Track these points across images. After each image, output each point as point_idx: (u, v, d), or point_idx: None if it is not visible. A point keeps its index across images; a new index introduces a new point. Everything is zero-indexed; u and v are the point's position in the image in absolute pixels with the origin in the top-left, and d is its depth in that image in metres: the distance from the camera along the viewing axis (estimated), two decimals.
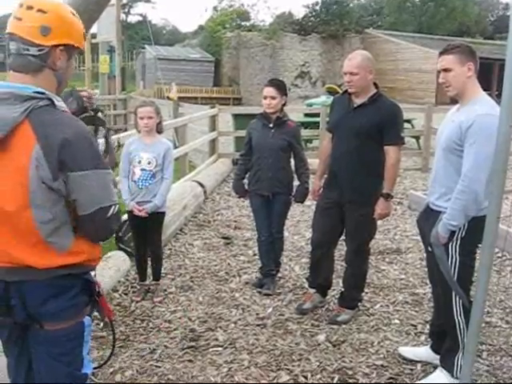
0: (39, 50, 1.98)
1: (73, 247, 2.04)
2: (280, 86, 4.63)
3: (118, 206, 2.10)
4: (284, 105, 4.68)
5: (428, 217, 3.29)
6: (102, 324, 3.95)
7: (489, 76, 26.73)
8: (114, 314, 3.25)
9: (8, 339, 2.23)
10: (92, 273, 2.26)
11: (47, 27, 1.97)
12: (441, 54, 3.16)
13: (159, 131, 4.56)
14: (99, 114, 2.60)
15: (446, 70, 3.11)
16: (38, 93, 1.95)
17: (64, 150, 1.90)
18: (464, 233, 3.06)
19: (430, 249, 3.25)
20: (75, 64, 2.23)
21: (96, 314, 2.38)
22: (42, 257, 1.99)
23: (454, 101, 3.20)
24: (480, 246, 2.80)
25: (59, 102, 2.02)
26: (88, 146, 1.98)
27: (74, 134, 1.94)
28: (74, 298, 2.09)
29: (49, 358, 2.13)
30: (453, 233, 3.07)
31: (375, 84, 4.01)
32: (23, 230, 1.96)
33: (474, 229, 2.92)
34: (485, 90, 3.20)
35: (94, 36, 23.25)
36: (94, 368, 3.23)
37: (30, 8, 1.97)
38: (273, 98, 4.57)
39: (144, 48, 35.88)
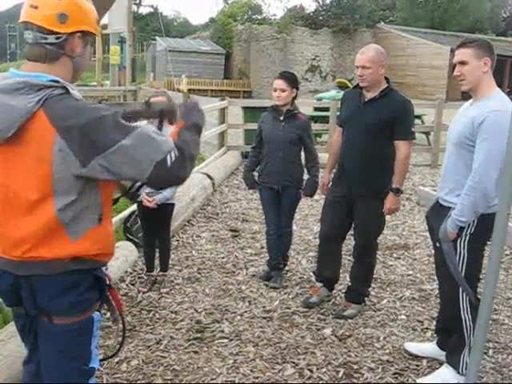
0: (57, 38, 1.95)
1: (87, 236, 2.00)
2: (290, 79, 4.61)
3: (174, 150, 1.96)
4: (295, 98, 4.66)
5: (437, 212, 3.27)
6: (109, 314, 3.96)
7: (501, 73, 26.56)
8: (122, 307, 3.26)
9: (22, 330, 2.24)
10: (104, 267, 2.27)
11: (64, 14, 1.94)
12: (458, 47, 3.13)
13: (171, 123, 4.54)
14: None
15: (461, 63, 3.08)
16: (53, 81, 1.91)
17: (86, 136, 1.85)
18: (473, 229, 3.05)
19: (438, 244, 3.23)
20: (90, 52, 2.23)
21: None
22: (52, 246, 1.97)
23: (465, 97, 3.18)
24: (489, 243, 2.79)
25: (73, 91, 1.98)
26: (108, 123, 1.89)
27: (92, 118, 1.87)
28: (83, 294, 2.07)
29: (56, 352, 2.12)
30: (462, 229, 3.05)
31: (386, 78, 3.99)
32: (44, 220, 1.93)
33: (483, 225, 2.91)
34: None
35: (104, 27, 23.27)
36: (101, 360, 3.24)
37: None
38: (282, 90, 4.55)
39: (155, 40, 35.84)
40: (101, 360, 3.16)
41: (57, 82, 1.92)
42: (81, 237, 1.98)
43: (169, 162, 1.92)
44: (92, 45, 2.17)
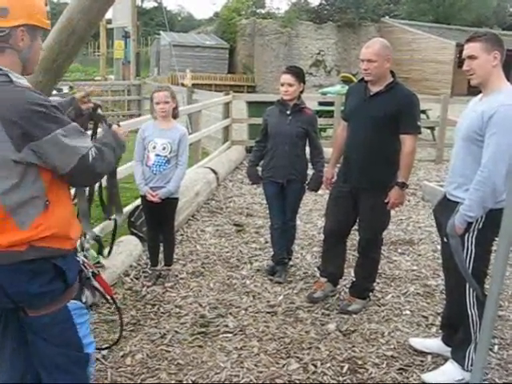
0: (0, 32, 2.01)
1: (37, 222, 2.05)
2: (298, 74, 4.59)
3: (94, 148, 2.14)
4: (301, 92, 4.65)
5: (445, 207, 3.25)
6: (113, 308, 3.97)
7: (507, 68, 26.43)
8: (113, 291, 3.22)
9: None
10: (80, 257, 2.30)
11: (5, 8, 1.99)
12: (467, 41, 3.10)
13: (174, 116, 4.54)
14: (98, 110, 2.66)
15: (470, 58, 3.05)
16: None
17: (24, 125, 1.95)
18: (481, 224, 3.03)
19: (445, 239, 3.21)
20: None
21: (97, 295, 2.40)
22: (5, 234, 2.02)
23: (471, 92, 3.15)
24: (497, 239, 2.77)
25: (18, 79, 2.05)
26: (44, 113, 1.99)
27: (30, 106, 1.96)
28: (46, 285, 2.09)
29: (42, 341, 2.17)
30: (470, 224, 3.03)
31: (392, 72, 3.97)
32: None
33: (492, 221, 2.89)
34: None
35: (109, 21, 23.26)
36: (103, 348, 3.24)
37: None
38: (290, 85, 4.53)
39: (159, 34, 35.80)
40: (103, 349, 3.18)
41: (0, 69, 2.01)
42: (31, 223, 2.04)
43: (90, 158, 2.09)
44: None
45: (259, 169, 4.92)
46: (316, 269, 4.89)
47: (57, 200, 2.13)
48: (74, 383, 2.27)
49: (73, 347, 2.23)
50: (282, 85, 4.57)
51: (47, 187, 2.09)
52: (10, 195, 2.00)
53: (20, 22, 2.03)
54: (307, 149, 4.74)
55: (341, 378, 3.33)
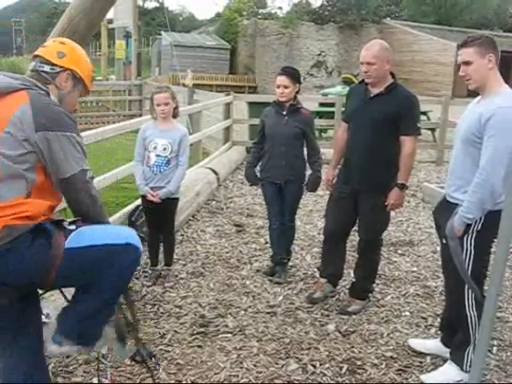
0: (51, 69, 2.45)
1: (17, 201, 2.19)
2: (293, 75, 4.59)
3: (91, 172, 2.39)
4: (297, 92, 4.65)
5: (444, 209, 3.26)
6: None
7: (508, 69, 26.41)
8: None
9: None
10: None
11: (63, 53, 2.49)
12: (460, 46, 3.10)
13: (174, 116, 4.55)
14: None
15: (466, 63, 3.06)
16: (43, 87, 2.37)
17: (50, 117, 2.25)
18: (480, 226, 3.04)
19: (444, 241, 3.22)
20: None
21: None
22: None
23: (471, 93, 3.16)
24: (495, 240, 2.77)
25: (55, 101, 2.40)
26: (70, 122, 2.34)
27: (60, 110, 2.32)
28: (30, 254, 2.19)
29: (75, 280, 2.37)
30: (468, 226, 3.04)
31: (392, 74, 3.97)
32: None
33: (491, 223, 2.89)
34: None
35: (110, 21, 23.28)
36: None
37: (55, 41, 2.60)
38: (286, 87, 4.54)
39: (160, 34, 35.81)
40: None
41: (45, 88, 2.39)
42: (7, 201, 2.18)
43: (87, 176, 2.35)
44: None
45: (258, 169, 4.92)
46: (316, 269, 4.90)
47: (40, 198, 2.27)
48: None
49: (100, 258, 2.31)
50: (278, 87, 4.57)
51: (38, 184, 2.25)
52: (7, 160, 2.19)
53: (69, 66, 2.48)
54: (305, 149, 4.74)
55: (340, 379, 3.34)
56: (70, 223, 2.33)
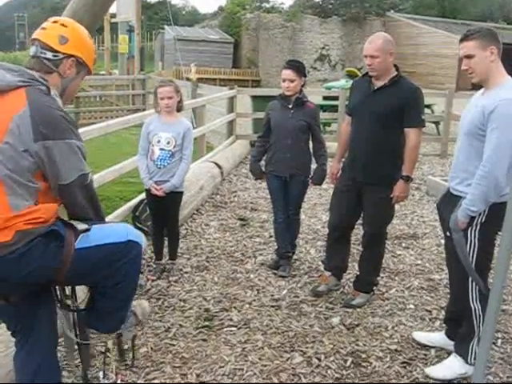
0: (54, 56, 2.34)
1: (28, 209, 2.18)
2: (299, 68, 4.58)
3: (91, 175, 2.39)
4: (303, 86, 4.64)
5: (448, 201, 3.25)
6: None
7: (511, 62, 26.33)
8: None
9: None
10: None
11: (65, 37, 2.34)
12: (461, 40, 3.08)
13: (178, 109, 4.55)
14: None
15: (467, 57, 3.04)
16: (43, 79, 2.27)
17: (49, 123, 2.19)
18: (484, 218, 3.03)
19: (448, 234, 3.22)
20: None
21: None
22: None
23: (475, 86, 3.14)
24: (500, 232, 2.77)
25: (55, 97, 2.30)
26: (69, 124, 2.28)
27: (59, 113, 2.24)
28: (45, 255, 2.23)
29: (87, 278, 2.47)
30: (472, 218, 3.03)
31: (395, 66, 3.96)
32: None
33: (495, 215, 2.88)
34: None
35: (113, 16, 23.21)
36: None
37: (55, 22, 2.39)
38: (291, 80, 4.52)
39: (163, 28, 35.76)
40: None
41: (45, 81, 2.27)
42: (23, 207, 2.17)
43: (88, 179, 2.33)
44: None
45: (262, 163, 4.92)
46: (320, 263, 4.90)
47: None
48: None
49: (107, 258, 2.38)
50: (284, 81, 4.56)
51: (42, 191, 2.25)
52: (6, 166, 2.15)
53: (73, 52, 2.37)
54: (310, 143, 4.74)
55: (344, 372, 3.34)
56: (80, 223, 2.35)
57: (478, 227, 3.05)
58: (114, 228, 2.55)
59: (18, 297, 2.34)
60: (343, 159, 4.33)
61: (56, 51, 2.33)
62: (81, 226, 2.33)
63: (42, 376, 2.46)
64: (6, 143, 2.13)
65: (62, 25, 2.38)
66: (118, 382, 3.02)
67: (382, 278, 4.67)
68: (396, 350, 3.60)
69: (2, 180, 2.14)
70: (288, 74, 4.53)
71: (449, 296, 3.71)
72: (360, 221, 4.28)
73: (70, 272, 2.27)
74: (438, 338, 3.65)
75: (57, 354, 2.65)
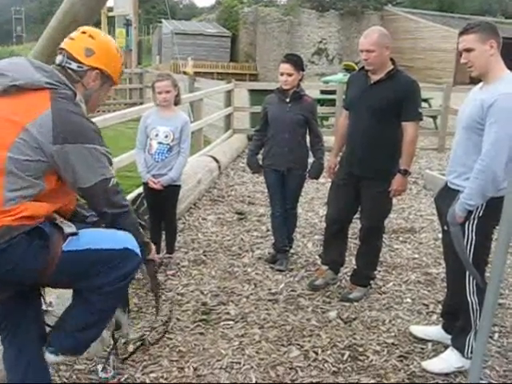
0: (78, 67, 2.36)
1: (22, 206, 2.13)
2: (296, 62, 4.57)
3: (115, 178, 2.35)
4: (301, 80, 4.63)
5: (446, 195, 3.25)
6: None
7: (510, 55, 26.33)
8: None
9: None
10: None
11: (91, 50, 2.36)
12: (460, 34, 3.07)
13: (176, 103, 4.54)
14: None
15: (467, 51, 3.03)
16: (70, 86, 2.28)
17: (71, 127, 2.18)
18: (481, 212, 3.03)
19: (446, 227, 3.22)
20: None
21: None
22: None
23: (473, 80, 3.14)
24: (497, 227, 2.77)
25: (80, 103, 2.30)
26: (93, 130, 2.29)
27: (82, 119, 2.25)
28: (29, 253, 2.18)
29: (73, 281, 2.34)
30: (470, 212, 3.03)
31: (392, 60, 3.95)
32: None
33: (492, 209, 2.88)
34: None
35: (110, 9, 23.16)
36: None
37: (83, 33, 2.41)
38: (289, 74, 4.52)
39: (160, 22, 35.67)
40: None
41: (73, 87, 2.30)
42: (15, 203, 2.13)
43: (110, 184, 2.29)
44: (108, 90, 2.55)
45: (259, 157, 4.92)
46: (317, 257, 4.91)
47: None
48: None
49: (96, 264, 2.29)
50: (282, 74, 4.55)
51: (46, 192, 2.21)
52: (13, 162, 2.11)
53: (98, 65, 2.38)
54: (308, 137, 4.73)
55: (341, 365, 3.35)
56: (69, 226, 2.30)
57: (476, 221, 3.05)
58: (114, 234, 2.41)
59: (2, 295, 2.31)
60: (340, 153, 4.33)
61: (81, 63, 2.36)
62: (69, 228, 2.28)
63: (32, 375, 2.45)
64: (21, 139, 2.11)
65: (90, 36, 2.40)
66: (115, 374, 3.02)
67: (379, 271, 4.68)
68: (393, 343, 3.61)
69: (5, 173, 2.11)
70: (286, 67, 4.52)
71: (446, 290, 3.71)
72: (357, 215, 4.28)
73: (55, 274, 2.21)
74: (434, 331, 3.65)
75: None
